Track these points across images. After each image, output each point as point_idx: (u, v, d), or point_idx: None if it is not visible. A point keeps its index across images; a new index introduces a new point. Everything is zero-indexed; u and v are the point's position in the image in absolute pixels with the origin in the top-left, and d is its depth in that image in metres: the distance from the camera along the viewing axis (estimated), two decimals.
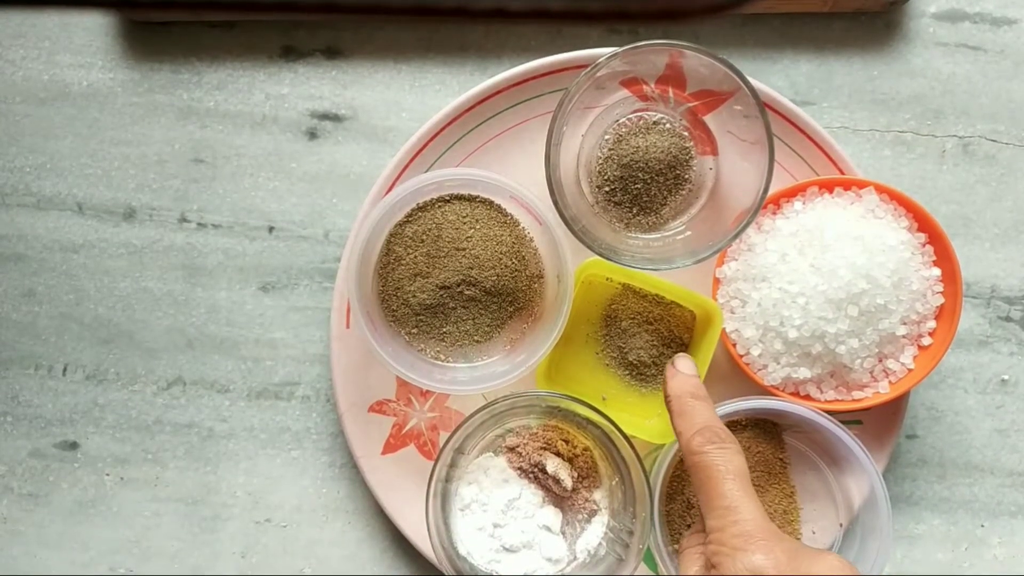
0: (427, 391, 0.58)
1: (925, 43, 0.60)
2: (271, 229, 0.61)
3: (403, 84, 0.60)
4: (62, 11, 0.56)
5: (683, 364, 0.49)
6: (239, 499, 0.61)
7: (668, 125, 0.55)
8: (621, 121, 0.55)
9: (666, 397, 0.47)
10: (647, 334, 0.57)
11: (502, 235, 0.55)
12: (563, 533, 0.55)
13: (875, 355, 0.54)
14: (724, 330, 0.55)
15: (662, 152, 0.54)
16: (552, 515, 0.54)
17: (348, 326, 0.57)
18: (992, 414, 0.61)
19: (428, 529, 0.51)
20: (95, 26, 0.61)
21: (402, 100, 0.60)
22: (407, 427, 0.58)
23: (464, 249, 0.54)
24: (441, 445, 0.53)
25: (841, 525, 0.56)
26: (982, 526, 0.61)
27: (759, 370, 0.55)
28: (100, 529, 0.61)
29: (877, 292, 0.53)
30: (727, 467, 0.42)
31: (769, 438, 0.56)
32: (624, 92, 0.55)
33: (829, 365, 0.54)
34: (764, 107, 0.49)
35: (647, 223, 0.56)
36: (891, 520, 0.51)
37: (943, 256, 0.54)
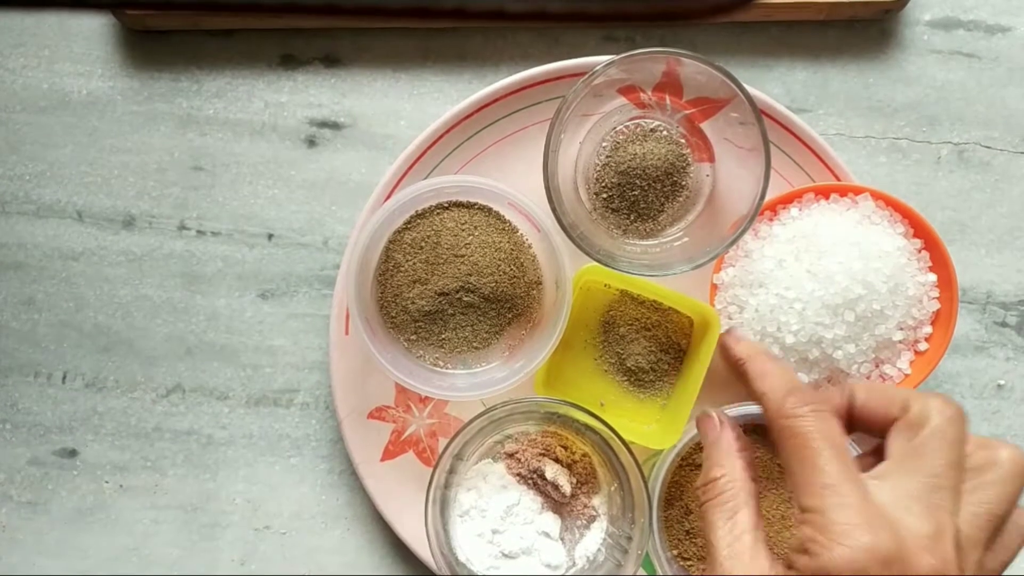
0: (426, 397, 0.58)
1: (920, 51, 0.61)
2: (270, 236, 0.61)
3: (402, 92, 0.61)
4: (61, 11, 0.57)
5: (742, 332, 0.44)
6: (238, 506, 0.61)
7: (665, 132, 0.56)
8: (618, 128, 0.56)
9: (736, 361, 0.42)
10: (645, 340, 0.57)
11: (500, 242, 0.55)
12: (562, 539, 0.55)
13: (872, 360, 0.55)
14: (721, 336, 0.55)
15: (659, 159, 0.54)
16: (551, 521, 0.54)
17: (347, 333, 0.58)
18: (988, 419, 0.61)
19: (427, 535, 0.52)
20: (95, 35, 0.61)
21: (400, 108, 0.61)
22: (406, 433, 0.59)
23: (463, 256, 0.54)
24: (440, 451, 0.53)
25: None
26: None
27: None
28: (99, 537, 0.61)
29: (873, 297, 0.53)
30: (827, 437, 0.36)
31: (767, 443, 0.56)
32: (621, 100, 0.55)
33: (826, 370, 0.55)
34: (760, 114, 0.49)
35: (645, 229, 0.56)
36: None
37: (939, 262, 0.55)
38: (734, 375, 0.43)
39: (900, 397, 0.39)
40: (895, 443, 0.38)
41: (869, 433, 0.41)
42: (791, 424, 0.38)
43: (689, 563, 0.55)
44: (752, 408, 0.53)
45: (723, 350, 0.44)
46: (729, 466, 0.41)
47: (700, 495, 0.41)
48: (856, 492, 0.35)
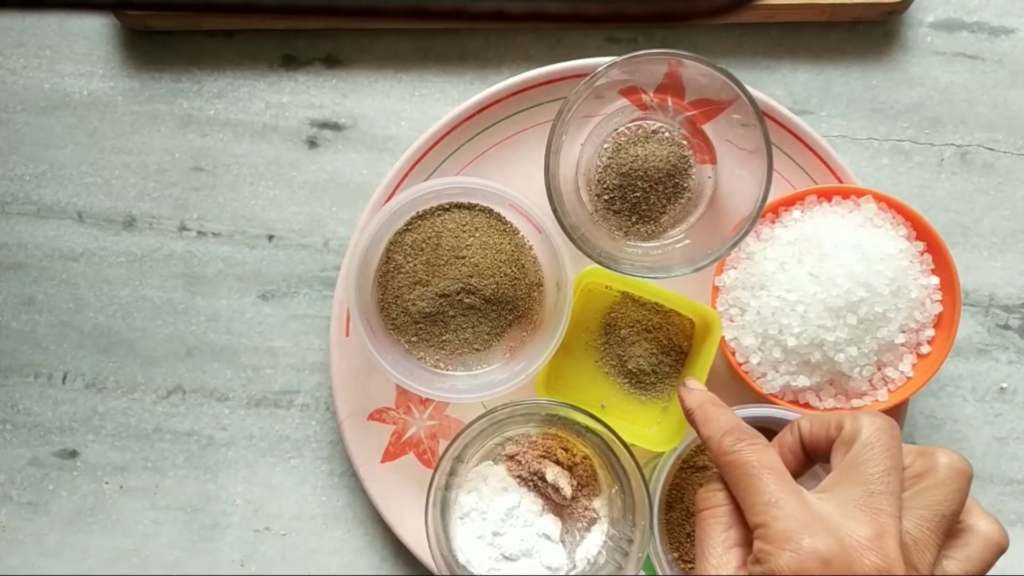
0: (426, 399, 0.58)
1: (923, 52, 0.61)
2: (271, 237, 0.61)
3: (403, 93, 0.61)
4: (61, 12, 0.57)
5: (694, 383, 0.50)
6: (238, 507, 0.61)
7: (667, 134, 0.55)
8: (620, 130, 0.56)
9: (687, 412, 0.47)
10: (646, 342, 0.57)
11: (501, 243, 0.55)
12: (562, 541, 0.55)
13: (874, 363, 0.54)
14: (723, 338, 0.55)
15: (661, 161, 0.54)
16: (551, 523, 0.54)
17: (348, 334, 0.57)
18: (991, 422, 0.61)
19: (428, 537, 0.51)
20: (95, 35, 0.61)
21: (402, 109, 0.61)
22: (406, 435, 0.58)
23: (464, 257, 0.54)
24: (440, 453, 0.53)
25: None
26: None
27: (758, 378, 0.55)
28: (99, 538, 0.61)
29: (876, 300, 0.53)
30: (761, 462, 0.40)
31: None
32: (623, 101, 0.55)
33: (828, 373, 0.54)
34: (762, 116, 0.49)
35: (646, 231, 0.56)
36: None
37: (941, 264, 0.55)
38: (689, 424, 0.47)
39: (835, 419, 0.42)
40: (835, 460, 0.41)
41: (822, 460, 0.44)
42: (730, 459, 0.41)
43: (690, 565, 0.54)
44: (756, 410, 0.53)
45: (679, 399, 0.48)
46: None
47: (698, 503, 0.43)
48: (795, 504, 0.38)
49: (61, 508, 0.61)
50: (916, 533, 0.38)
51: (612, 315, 0.57)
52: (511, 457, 0.55)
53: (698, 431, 0.46)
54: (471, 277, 0.54)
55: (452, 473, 0.54)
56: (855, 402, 0.55)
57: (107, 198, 0.61)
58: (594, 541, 0.55)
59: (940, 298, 0.55)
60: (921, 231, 0.55)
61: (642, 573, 0.52)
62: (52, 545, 0.61)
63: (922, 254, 0.55)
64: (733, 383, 0.57)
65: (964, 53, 0.61)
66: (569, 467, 0.55)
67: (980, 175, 0.61)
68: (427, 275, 0.55)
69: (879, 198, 0.55)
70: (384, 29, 0.61)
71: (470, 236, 0.55)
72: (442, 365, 0.57)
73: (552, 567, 0.54)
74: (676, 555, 0.55)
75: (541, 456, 0.55)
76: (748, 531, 0.40)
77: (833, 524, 0.37)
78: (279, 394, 0.61)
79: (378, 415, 0.58)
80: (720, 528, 0.41)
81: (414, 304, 0.55)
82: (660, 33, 0.61)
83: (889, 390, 0.55)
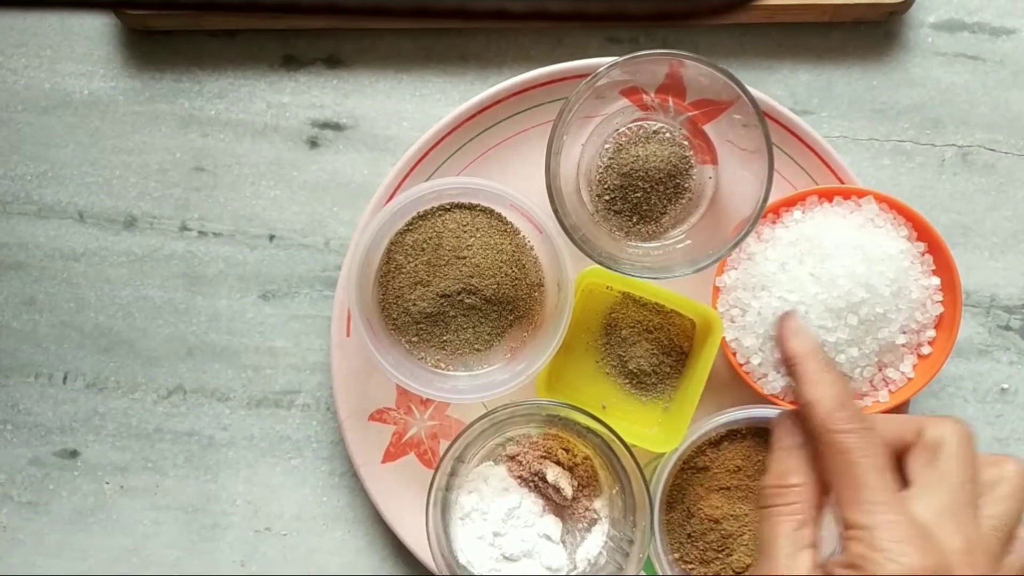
0: (427, 400, 0.58)
1: (924, 53, 0.61)
2: (272, 237, 0.61)
3: (404, 93, 0.61)
4: (62, 11, 0.57)
5: (797, 321, 0.45)
6: (239, 508, 0.61)
7: (668, 134, 0.55)
8: (621, 130, 0.56)
9: (788, 357, 0.43)
10: (647, 343, 0.57)
11: (502, 243, 0.55)
12: (563, 542, 0.55)
13: (875, 364, 0.54)
14: (724, 339, 0.55)
15: (662, 161, 0.54)
16: (552, 524, 0.54)
17: (348, 334, 0.57)
18: (992, 423, 0.61)
19: (428, 538, 0.51)
20: (96, 35, 0.61)
21: (403, 109, 0.61)
22: (407, 436, 0.58)
23: (464, 257, 0.54)
24: (441, 454, 0.53)
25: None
26: None
27: (759, 379, 0.55)
28: (99, 538, 0.61)
29: (876, 301, 0.53)
30: (876, 456, 0.38)
31: (769, 447, 0.56)
32: (624, 101, 0.55)
33: None
34: (763, 116, 0.49)
35: (647, 232, 0.56)
36: None
37: (942, 265, 0.55)
38: (784, 369, 0.43)
39: (913, 423, 0.41)
40: (916, 466, 0.40)
41: None
42: (839, 440, 0.39)
43: (691, 566, 0.54)
44: (757, 411, 0.53)
45: (777, 338, 0.44)
46: (807, 478, 0.41)
47: (767, 496, 0.41)
48: (902, 511, 0.37)
49: (61, 508, 0.61)
50: (987, 545, 0.38)
51: (613, 315, 0.57)
52: (512, 458, 0.55)
53: (799, 389, 0.42)
54: (472, 277, 0.54)
55: (453, 473, 0.53)
56: (856, 403, 0.55)
57: (108, 198, 0.61)
58: (595, 542, 0.55)
59: (941, 299, 0.55)
60: (922, 232, 0.55)
61: (643, 574, 0.52)
62: (52, 545, 0.61)
63: (923, 255, 0.55)
64: (734, 384, 0.57)
65: (965, 54, 0.61)
66: (570, 468, 0.55)
67: (981, 176, 0.61)
68: (428, 275, 0.55)
69: (880, 199, 0.55)
70: (385, 29, 0.61)
71: (471, 236, 0.55)
72: (443, 365, 0.57)
73: (553, 568, 0.54)
74: (677, 556, 0.55)
75: (542, 457, 0.55)
76: (818, 531, 0.39)
77: (933, 536, 0.36)
78: (280, 394, 0.61)
79: (379, 415, 0.58)
80: (791, 526, 0.39)
81: (415, 304, 0.55)
82: (661, 33, 0.61)
83: (890, 391, 0.55)
